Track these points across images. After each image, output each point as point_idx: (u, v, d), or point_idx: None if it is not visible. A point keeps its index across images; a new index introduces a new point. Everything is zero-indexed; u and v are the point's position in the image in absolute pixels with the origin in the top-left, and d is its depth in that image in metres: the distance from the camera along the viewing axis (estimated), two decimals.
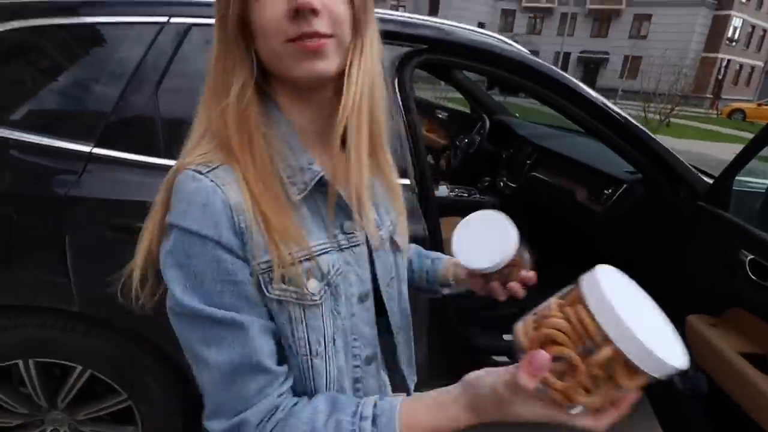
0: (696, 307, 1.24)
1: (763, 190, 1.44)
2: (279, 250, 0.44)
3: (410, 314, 0.66)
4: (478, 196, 2.47)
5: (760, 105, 20.27)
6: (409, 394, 0.65)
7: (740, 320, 1.12)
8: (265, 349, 0.45)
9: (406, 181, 1.27)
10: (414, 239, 1.30)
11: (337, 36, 0.45)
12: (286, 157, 0.48)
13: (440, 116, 3.40)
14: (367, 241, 0.55)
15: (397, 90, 1.30)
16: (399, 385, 0.65)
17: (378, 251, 0.56)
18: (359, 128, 0.48)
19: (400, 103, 1.30)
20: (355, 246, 0.53)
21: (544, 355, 0.35)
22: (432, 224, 1.28)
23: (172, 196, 0.45)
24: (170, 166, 0.48)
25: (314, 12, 0.42)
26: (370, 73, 0.48)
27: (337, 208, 0.50)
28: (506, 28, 31.87)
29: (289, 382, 0.47)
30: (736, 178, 1.29)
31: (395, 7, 31.95)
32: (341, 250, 0.51)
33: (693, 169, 1.43)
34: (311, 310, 0.48)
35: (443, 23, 1.37)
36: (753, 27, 29.86)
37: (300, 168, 0.48)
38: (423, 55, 1.33)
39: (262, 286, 0.45)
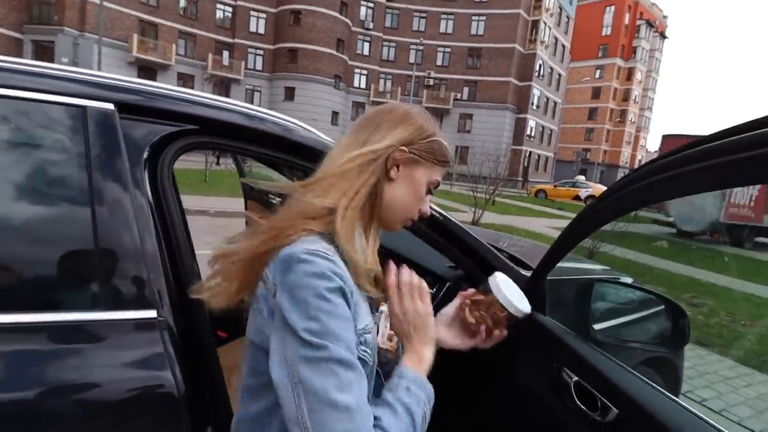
0: None
1: (572, 277, 1.41)
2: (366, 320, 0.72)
3: None
4: None
5: (555, 186, 25.92)
6: None
7: None
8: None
9: (151, 313, 0.86)
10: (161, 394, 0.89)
11: None
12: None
13: (274, 201, 3.10)
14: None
15: (147, 184, 0.93)
16: None
17: None
18: None
19: (151, 201, 0.93)
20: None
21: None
22: (186, 370, 0.88)
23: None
24: None
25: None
26: None
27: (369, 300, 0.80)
28: (357, 117, 34.99)
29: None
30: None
31: (251, 92, 32.46)
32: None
33: (509, 262, 1.34)
34: (366, 368, 0.70)
35: (219, 100, 1.08)
36: (543, 127, 38.67)
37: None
38: (191, 137, 1.02)
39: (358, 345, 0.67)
